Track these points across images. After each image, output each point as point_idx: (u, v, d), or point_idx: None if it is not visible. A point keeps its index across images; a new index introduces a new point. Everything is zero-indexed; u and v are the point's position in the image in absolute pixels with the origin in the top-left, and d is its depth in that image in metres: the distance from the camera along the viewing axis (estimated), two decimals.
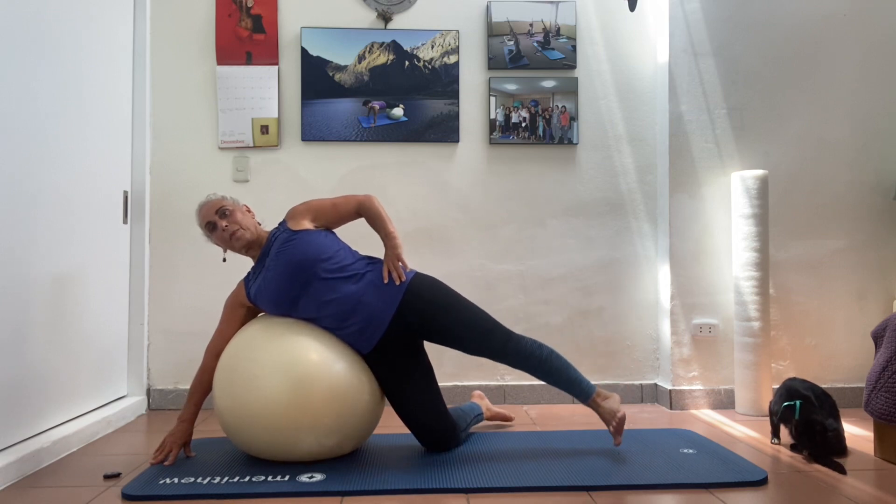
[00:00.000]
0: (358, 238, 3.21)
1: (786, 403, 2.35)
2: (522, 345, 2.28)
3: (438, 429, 2.30)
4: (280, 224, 2.38)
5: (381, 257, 2.89)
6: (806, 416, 2.27)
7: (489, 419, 2.74)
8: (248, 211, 2.40)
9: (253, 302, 2.31)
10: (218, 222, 2.30)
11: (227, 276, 3.12)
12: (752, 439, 2.54)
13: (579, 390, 2.31)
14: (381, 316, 2.23)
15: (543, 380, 2.31)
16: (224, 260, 2.49)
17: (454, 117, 3.22)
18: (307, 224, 2.34)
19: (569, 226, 3.28)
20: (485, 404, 2.76)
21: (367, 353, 2.26)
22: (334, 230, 2.44)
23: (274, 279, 2.23)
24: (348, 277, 2.25)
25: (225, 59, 3.18)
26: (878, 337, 2.36)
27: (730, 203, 3.13)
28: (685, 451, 2.33)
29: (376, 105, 3.21)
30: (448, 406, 2.54)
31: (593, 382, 3.22)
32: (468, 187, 3.26)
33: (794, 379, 2.46)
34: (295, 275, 2.21)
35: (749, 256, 2.99)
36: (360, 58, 3.21)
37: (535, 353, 2.28)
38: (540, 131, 3.24)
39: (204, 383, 2.31)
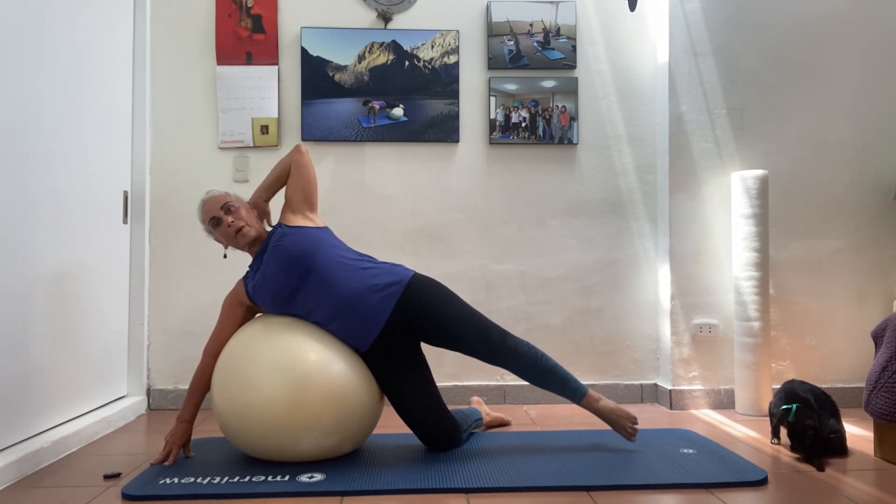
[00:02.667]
0: (358, 238, 3.21)
1: (783, 406, 2.36)
2: (519, 342, 2.30)
3: (440, 428, 2.30)
4: (277, 222, 2.40)
5: (382, 258, 2.89)
6: (800, 419, 2.28)
7: (488, 425, 2.73)
8: (252, 208, 2.41)
9: (252, 299, 2.31)
10: (223, 218, 2.31)
11: (227, 276, 3.12)
12: (752, 439, 2.54)
13: (573, 390, 2.32)
14: (379, 313, 2.23)
15: (536, 381, 2.31)
16: (225, 256, 2.49)
17: (454, 117, 3.22)
18: (292, 216, 2.37)
19: (569, 226, 3.28)
20: (483, 410, 2.76)
21: (365, 351, 2.26)
22: (326, 225, 2.45)
23: (272, 273, 2.24)
24: (347, 273, 2.25)
25: (225, 59, 3.18)
26: (878, 337, 2.36)
27: (730, 203, 3.13)
28: (685, 451, 2.33)
29: (376, 105, 3.21)
30: (448, 408, 2.55)
31: (593, 383, 3.23)
32: (468, 187, 3.26)
33: (793, 381, 2.46)
34: (292, 267, 2.22)
35: (749, 256, 2.99)
36: (360, 58, 3.21)
37: (531, 351, 2.30)
38: (540, 131, 3.24)
39: (203, 384, 2.31)
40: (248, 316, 2.37)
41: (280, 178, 2.45)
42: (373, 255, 3.14)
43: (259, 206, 2.44)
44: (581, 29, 3.30)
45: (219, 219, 2.31)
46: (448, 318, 2.28)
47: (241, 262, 2.99)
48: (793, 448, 2.35)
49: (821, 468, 2.16)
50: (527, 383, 3.21)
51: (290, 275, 2.23)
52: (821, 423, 2.30)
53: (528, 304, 3.24)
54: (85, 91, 2.66)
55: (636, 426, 2.33)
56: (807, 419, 2.27)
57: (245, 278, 2.35)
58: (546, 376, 2.30)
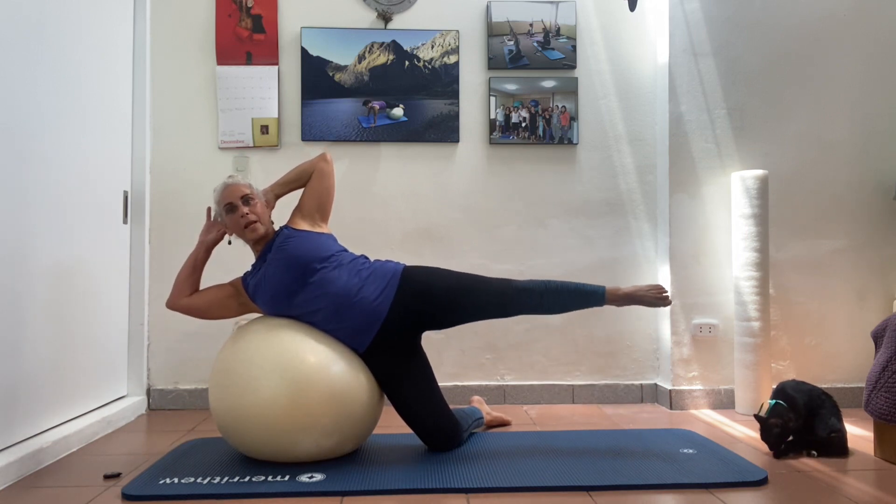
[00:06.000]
0: (358, 238, 3.21)
1: (769, 401, 2.38)
2: (524, 282, 2.33)
3: (441, 427, 2.30)
4: (284, 224, 2.40)
5: (379, 258, 2.89)
6: (769, 416, 2.31)
7: (488, 425, 2.73)
8: (269, 205, 2.41)
9: (251, 298, 2.32)
10: (239, 207, 2.31)
11: (227, 276, 3.10)
12: (752, 439, 2.54)
13: (592, 294, 2.32)
14: (377, 311, 2.23)
15: (556, 306, 2.30)
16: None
17: (454, 117, 3.22)
18: (300, 220, 2.39)
19: (569, 226, 3.28)
20: (484, 409, 2.76)
21: (364, 351, 2.26)
22: (331, 231, 2.45)
23: (274, 274, 2.25)
24: (345, 275, 2.26)
25: (225, 59, 3.18)
26: (878, 337, 2.36)
27: (730, 203, 3.13)
28: (685, 451, 2.33)
29: (376, 105, 3.21)
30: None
31: (593, 383, 3.23)
32: (468, 187, 3.26)
33: (789, 381, 2.46)
34: (293, 269, 2.23)
35: (749, 256, 2.99)
36: (360, 58, 3.21)
37: (538, 283, 2.31)
38: (540, 131, 3.24)
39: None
40: (231, 305, 2.36)
41: (299, 180, 2.46)
42: (373, 255, 3.14)
43: (266, 198, 2.44)
44: (581, 29, 3.29)
45: (234, 206, 2.31)
46: (448, 290, 2.29)
47: (242, 263, 2.98)
48: (765, 443, 2.36)
49: (776, 455, 2.28)
50: (527, 383, 3.21)
51: (291, 277, 2.24)
52: (807, 426, 2.33)
53: None
54: (85, 91, 2.66)
55: (665, 292, 2.33)
56: (779, 416, 2.29)
57: (245, 276, 2.36)
58: (562, 297, 2.30)
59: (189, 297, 2.35)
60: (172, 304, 2.36)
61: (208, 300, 2.35)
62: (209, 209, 2.43)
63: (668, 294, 2.33)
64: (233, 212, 2.32)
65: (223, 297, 2.36)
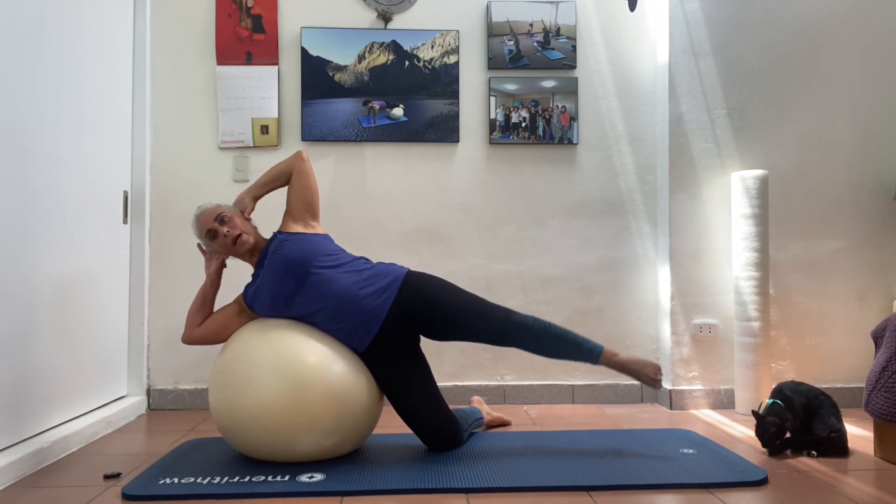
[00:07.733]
0: (358, 238, 3.21)
1: (768, 401, 2.38)
2: (524, 316, 2.29)
3: (441, 427, 2.30)
4: (277, 230, 2.40)
5: (379, 258, 2.89)
6: (766, 415, 2.32)
7: (488, 425, 2.73)
8: (247, 218, 2.40)
9: (250, 306, 2.32)
10: (219, 229, 2.30)
11: (228, 277, 3.11)
12: (752, 439, 2.54)
13: (588, 351, 2.29)
14: (377, 312, 2.23)
15: (550, 351, 2.28)
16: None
17: (454, 117, 3.22)
18: (292, 223, 2.39)
19: (569, 226, 3.28)
20: (484, 409, 2.76)
21: (364, 351, 2.26)
22: (326, 231, 2.46)
23: (271, 278, 2.25)
24: (344, 275, 2.26)
25: (225, 60, 3.18)
26: (878, 337, 2.36)
27: (730, 203, 3.13)
28: (685, 451, 2.33)
29: (376, 105, 3.21)
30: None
31: (593, 382, 3.23)
32: (468, 187, 3.26)
33: (787, 382, 2.46)
34: (290, 272, 2.23)
35: (749, 256, 2.99)
36: (360, 58, 3.21)
37: (538, 322, 2.29)
38: (540, 131, 3.24)
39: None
40: (236, 322, 2.37)
41: (276, 181, 2.45)
42: (373, 256, 3.14)
43: (244, 203, 2.42)
44: (581, 29, 3.29)
45: (215, 231, 2.31)
46: (448, 306, 2.28)
47: (243, 264, 2.98)
48: (759, 439, 2.36)
49: (770, 453, 2.31)
50: (527, 383, 3.21)
51: (288, 279, 2.24)
52: (805, 426, 2.33)
53: (528, 304, 3.24)
54: (85, 91, 2.66)
55: (660, 374, 2.30)
56: (776, 414, 2.30)
57: (246, 288, 2.37)
58: (559, 344, 2.28)
59: (200, 326, 2.36)
60: (187, 339, 2.37)
61: (217, 324, 2.36)
62: (199, 245, 2.42)
63: (661, 378, 2.33)
64: (216, 237, 2.31)
65: (230, 316, 2.36)
